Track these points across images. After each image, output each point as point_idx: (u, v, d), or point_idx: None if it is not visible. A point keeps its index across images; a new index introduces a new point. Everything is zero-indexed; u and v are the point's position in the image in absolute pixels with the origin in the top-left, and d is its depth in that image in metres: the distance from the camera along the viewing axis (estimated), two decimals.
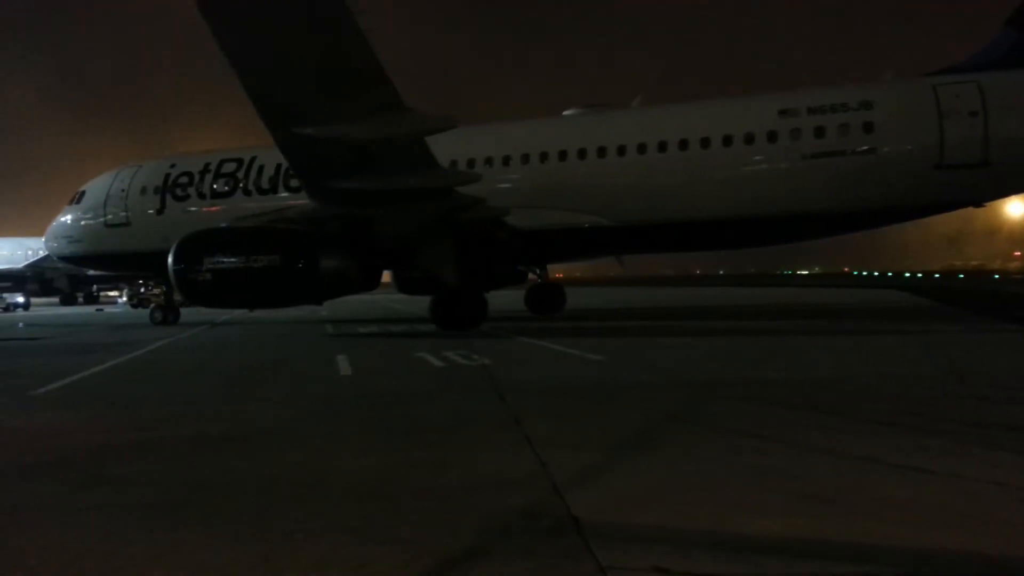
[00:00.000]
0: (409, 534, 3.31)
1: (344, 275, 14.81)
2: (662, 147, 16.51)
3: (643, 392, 7.32)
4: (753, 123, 16.04)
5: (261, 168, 18.97)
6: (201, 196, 19.61)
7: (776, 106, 16.04)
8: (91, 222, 20.68)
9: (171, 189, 19.83)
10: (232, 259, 14.63)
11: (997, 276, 63.26)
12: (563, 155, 17.13)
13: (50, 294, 50.05)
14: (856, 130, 15.38)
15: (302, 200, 16.20)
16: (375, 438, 5.51)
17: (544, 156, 17.26)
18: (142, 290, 38.80)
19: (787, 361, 9.87)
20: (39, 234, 23.88)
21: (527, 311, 21.98)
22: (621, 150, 16.75)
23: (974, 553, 2.94)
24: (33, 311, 39.32)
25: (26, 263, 47.14)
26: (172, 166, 20.22)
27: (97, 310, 39.36)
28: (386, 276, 21.07)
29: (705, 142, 16.24)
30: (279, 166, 18.23)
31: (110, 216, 20.34)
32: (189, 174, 19.82)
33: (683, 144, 16.38)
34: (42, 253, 34.58)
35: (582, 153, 16.99)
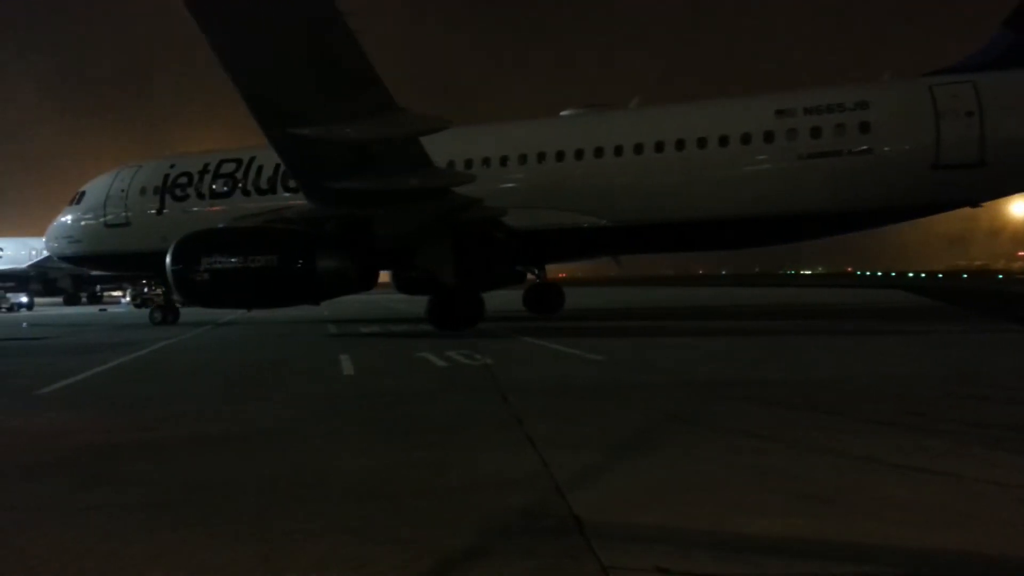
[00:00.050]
0: (410, 534, 3.29)
1: (341, 275, 14.78)
2: (659, 147, 16.49)
3: (644, 392, 7.28)
4: (750, 123, 16.01)
5: (260, 168, 18.93)
6: (200, 196, 19.57)
7: (773, 106, 16.02)
8: (91, 222, 20.64)
9: (170, 189, 19.79)
10: (230, 259, 14.60)
11: (1001, 276, 62.96)
12: (560, 155, 17.10)
13: (54, 294, 50.03)
14: (852, 130, 15.36)
15: (300, 200, 16.16)
16: (377, 438, 5.49)
17: (542, 156, 17.23)
18: (145, 290, 38.74)
19: (787, 361, 9.83)
20: (42, 234, 23.82)
21: (525, 311, 21.93)
22: (618, 150, 16.72)
23: (975, 553, 2.93)
24: (37, 311, 39.28)
25: (30, 263, 47.06)
26: (171, 166, 20.18)
27: (100, 310, 39.30)
28: (386, 276, 21.09)
29: (702, 142, 16.21)
30: (278, 166, 18.20)
31: (110, 216, 20.30)
32: (188, 174, 19.78)
33: (680, 144, 16.36)
34: (45, 253, 34.61)
35: (579, 153, 16.96)
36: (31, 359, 12.49)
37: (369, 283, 16.82)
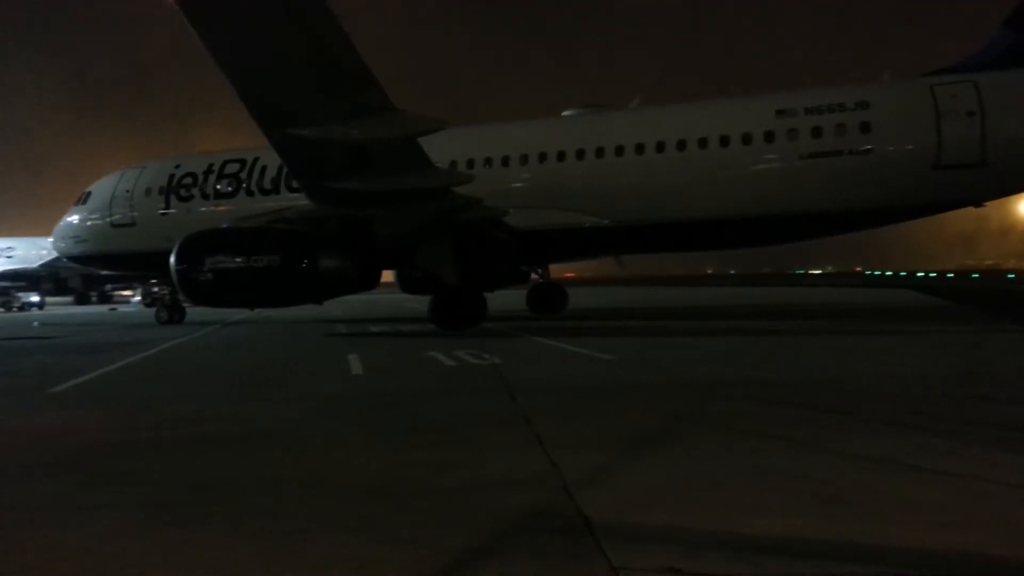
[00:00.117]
0: (418, 534, 3.25)
1: (343, 275, 14.71)
2: (660, 147, 16.32)
3: (653, 392, 7.19)
4: (750, 123, 15.83)
5: (264, 169, 18.87)
6: (205, 196, 19.53)
7: (773, 106, 15.84)
8: (97, 222, 20.64)
9: (175, 190, 19.75)
10: (233, 259, 14.56)
11: (1012, 276, 62.18)
12: (562, 155, 16.96)
13: (64, 293, 50.18)
14: (853, 130, 15.16)
15: (304, 201, 16.03)
16: (385, 437, 5.42)
17: (543, 156, 17.09)
18: (155, 290, 38.73)
19: (794, 361, 9.71)
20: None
21: (528, 311, 21.74)
22: (619, 150, 16.55)
23: (980, 553, 2.88)
24: (48, 310, 39.44)
25: (40, 263, 47.13)
26: (176, 167, 20.15)
27: (111, 309, 39.35)
28: (390, 276, 20.95)
29: (703, 142, 16.04)
30: (281, 167, 18.10)
31: (115, 216, 20.28)
32: (193, 175, 19.73)
33: (681, 144, 16.19)
34: (56, 253, 34.65)
35: (580, 154, 16.81)
36: (42, 358, 12.48)
37: (370, 283, 16.73)
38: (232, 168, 19.46)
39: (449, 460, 4.58)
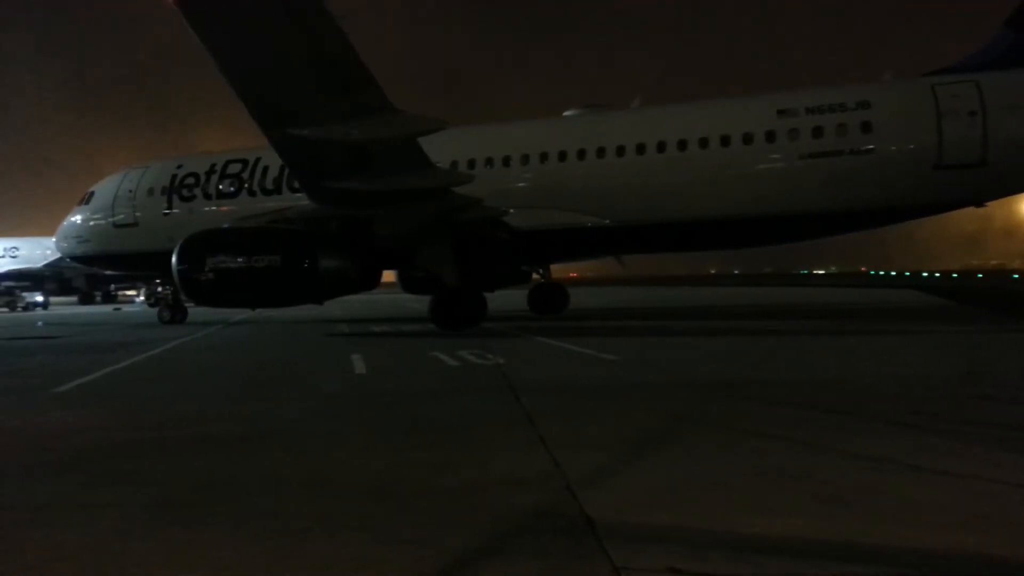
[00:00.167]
0: (421, 533, 3.24)
1: (343, 275, 14.69)
2: (661, 147, 16.27)
3: (655, 392, 7.17)
4: (751, 123, 15.77)
5: (266, 169, 18.85)
6: (207, 197, 19.50)
7: (774, 106, 15.78)
8: (100, 222, 20.63)
9: (177, 190, 19.74)
10: (233, 259, 14.55)
11: (1016, 276, 61.87)
12: (563, 155, 16.91)
13: (68, 293, 50.23)
14: (854, 130, 15.10)
15: (305, 200, 16.01)
16: (388, 437, 5.41)
17: (544, 156, 17.04)
18: (159, 289, 38.70)
19: (797, 361, 9.68)
20: None
21: (529, 311, 21.69)
22: (620, 150, 16.50)
23: (982, 554, 2.87)
24: (52, 310, 39.45)
25: (45, 263, 47.17)
26: (179, 167, 20.13)
27: (115, 309, 39.34)
28: (392, 276, 20.90)
29: (703, 142, 15.98)
30: (283, 167, 18.07)
31: (118, 216, 20.28)
32: (195, 175, 19.71)
33: (682, 144, 16.13)
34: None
35: (581, 154, 16.76)
36: (46, 358, 12.48)
37: (371, 283, 16.70)
38: (234, 168, 19.44)
39: (452, 460, 4.57)
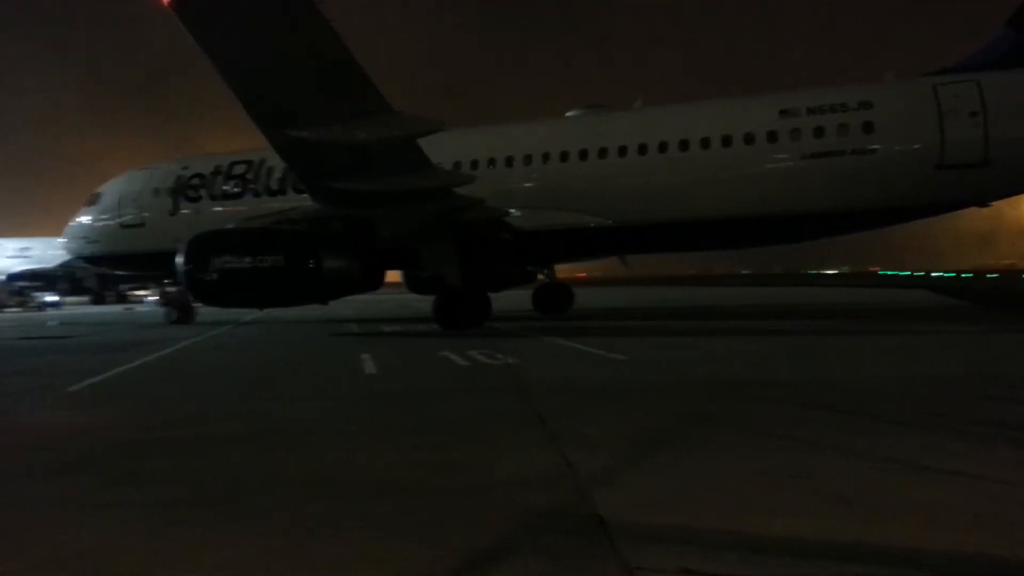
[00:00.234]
0: (433, 532, 3.22)
1: (346, 275, 14.69)
2: (663, 148, 16.19)
3: (666, 392, 7.11)
4: (753, 123, 15.68)
5: (270, 170, 18.82)
6: (212, 197, 19.49)
7: (776, 106, 15.67)
8: (107, 223, 20.67)
9: (183, 191, 19.75)
10: (238, 259, 14.57)
11: None
12: (565, 156, 16.85)
13: (81, 293, 50.31)
14: (856, 130, 15.00)
15: (309, 201, 15.98)
16: (400, 437, 5.38)
17: (546, 157, 16.99)
18: (169, 290, 38.68)
19: (809, 362, 9.60)
20: None
21: (534, 311, 21.62)
22: (622, 151, 16.43)
23: (992, 555, 2.84)
24: (64, 310, 39.53)
25: (57, 263, 47.26)
26: (184, 168, 20.15)
27: (126, 309, 39.36)
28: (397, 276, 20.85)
29: (705, 142, 15.89)
30: (288, 168, 18.02)
31: (125, 217, 20.31)
32: (201, 176, 19.73)
33: (683, 144, 16.05)
34: None
35: (583, 154, 16.70)
36: (59, 357, 12.50)
37: (374, 283, 16.67)
38: (239, 169, 19.44)
39: (463, 460, 4.54)
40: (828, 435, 4.90)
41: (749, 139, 15.62)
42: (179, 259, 14.97)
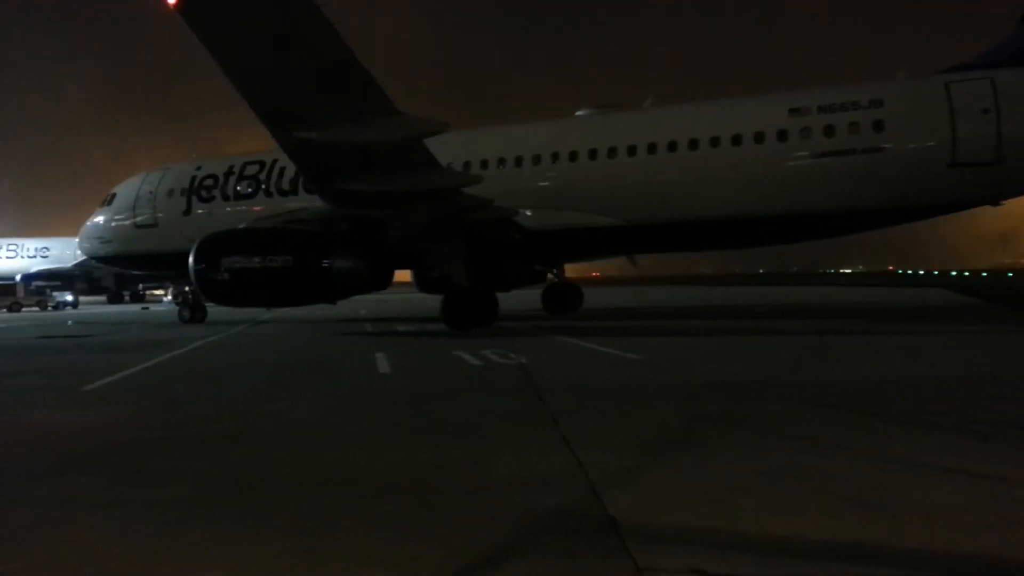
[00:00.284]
0: (446, 531, 3.23)
1: (355, 274, 14.71)
2: (672, 147, 16.06)
3: (679, 392, 7.05)
4: (763, 122, 15.52)
5: (282, 170, 18.88)
6: (225, 198, 19.59)
7: (786, 105, 15.50)
8: (121, 223, 20.84)
9: (196, 191, 19.87)
10: (248, 259, 14.64)
11: None
12: (574, 156, 16.77)
13: (98, 293, 50.84)
14: (867, 129, 14.80)
15: (319, 201, 16.02)
16: (412, 436, 5.39)
17: (555, 157, 16.92)
18: (186, 289, 38.92)
19: (824, 361, 9.49)
20: None
21: (543, 310, 21.55)
22: (631, 150, 16.33)
23: (1013, 557, 2.79)
24: (81, 309, 39.98)
25: (75, 262, 47.78)
26: (198, 169, 20.28)
27: (143, 308, 39.68)
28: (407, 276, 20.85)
29: (715, 142, 15.76)
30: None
31: (139, 217, 20.46)
32: (214, 176, 19.84)
33: (693, 144, 15.92)
34: None
35: (593, 154, 16.61)
36: (76, 356, 12.63)
37: (383, 283, 16.68)
38: (252, 170, 19.54)
39: (475, 459, 4.53)
40: (845, 435, 4.82)
41: (759, 138, 15.47)
42: (190, 259, 15.06)
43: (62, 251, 49.63)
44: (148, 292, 55.00)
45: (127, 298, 51.83)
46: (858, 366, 8.97)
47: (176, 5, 9.92)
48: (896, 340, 12.35)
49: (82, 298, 46.45)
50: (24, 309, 39.44)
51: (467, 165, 16.88)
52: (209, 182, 19.85)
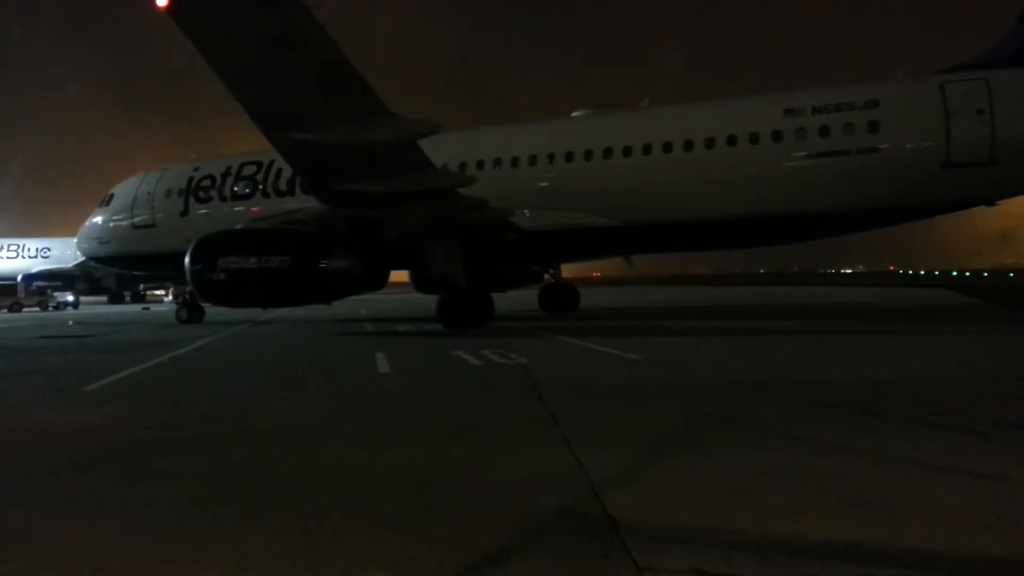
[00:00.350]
0: (446, 531, 3.22)
1: (351, 275, 14.66)
2: (667, 148, 16.05)
3: (679, 392, 7.03)
4: (758, 123, 15.52)
5: (280, 171, 18.83)
6: (223, 199, 19.53)
7: (781, 106, 15.50)
8: (119, 224, 20.76)
9: (194, 192, 19.80)
10: (244, 260, 14.60)
11: None
12: (570, 156, 16.76)
13: (98, 293, 50.65)
14: (861, 129, 14.81)
15: (315, 202, 15.98)
16: (413, 436, 5.37)
17: (551, 157, 16.90)
18: (187, 289, 38.76)
19: (824, 362, 9.47)
20: None
21: (540, 310, 21.52)
22: (627, 151, 16.32)
23: (1013, 558, 2.78)
24: (82, 309, 39.83)
25: (75, 263, 47.63)
26: (196, 169, 20.22)
27: (143, 308, 39.54)
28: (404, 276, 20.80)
29: (710, 142, 15.75)
30: None
31: (137, 218, 20.38)
32: (211, 177, 19.78)
33: (688, 145, 15.92)
34: None
35: (589, 154, 16.60)
36: (77, 356, 12.57)
37: (379, 283, 16.64)
38: (249, 170, 19.48)
39: (476, 459, 4.52)
40: (845, 435, 4.81)
41: (754, 139, 15.46)
42: (186, 259, 15.01)
43: (63, 251, 49.44)
44: (149, 292, 54.82)
45: (128, 298, 51.65)
46: (858, 366, 8.96)
47: (167, 7, 9.89)
48: (896, 340, 12.36)
49: (83, 298, 46.28)
50: (25, 309, 39.30)
51: (463, 166, 16.86)
52: (207, 183, 19.78)
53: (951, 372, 8.15)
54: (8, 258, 50.71)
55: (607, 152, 16.45)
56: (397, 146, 12.86)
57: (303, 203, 17.39)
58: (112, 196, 21.26)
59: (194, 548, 3.10)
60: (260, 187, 19.19)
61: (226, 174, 19.65)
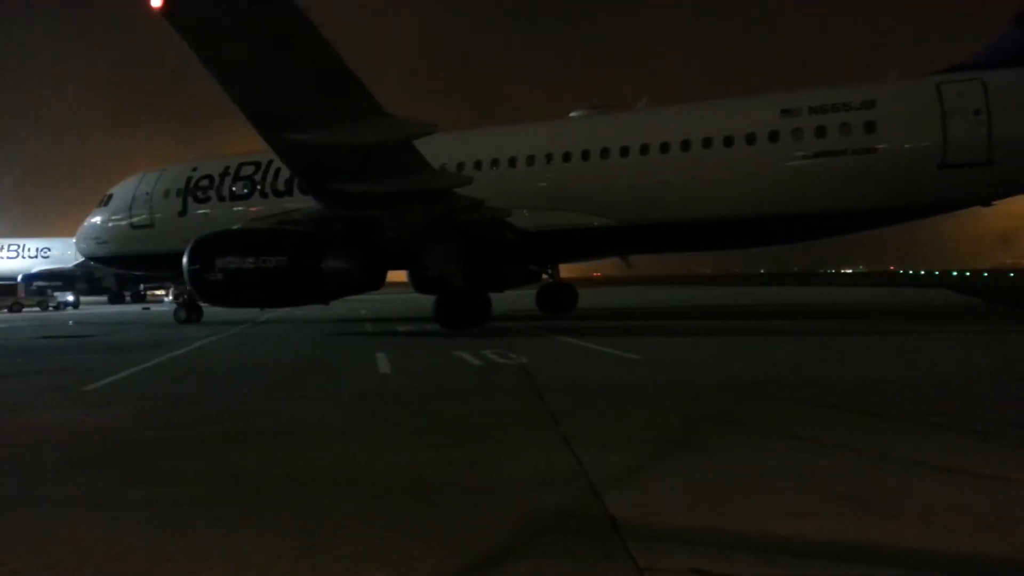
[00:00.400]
0: (447, 531, 3.21)
1: (348, 275, 14.66)
2: (664, 148, 16.05)
3: (680, 392, 7.01)
4: (755, 123, 15.53)
5: (278, 171, 18.81)
6: (221, 199, 19.49)
7: (778, 106, 15.50)
8: (118, 224, 20.71)
9: (193, 192, 19.77)
10: (242, 260, 14.57)
11: None
12: (567, 156, 16.76)
13: (98, 293, 50.59)
14: (858, 129, 14.82)
15: (312, 202, 15.97)
16: (413, 436, 5.35)
17: (549, 157, 16.89)
18: (186, 289, 38.68)
19: (825, 361, 9.46)
20: None
21: (538, 310, 21.51)
22: (624, 151, 16.32)
23: (1014, 558, 2.77)
24: (82, 309, 39.77)
25: (76, 263, 47.55)
26: (194, 169, 20.19)
27: (144, 308, 39.49)
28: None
29: (707, 142, 15.75)
30: None
31: (135, 218, 20.35)
32: (210, 177, 19.74)
33: (685, 145, 15.92)
34: None
35: (586, 154, 16.60)
36: (77, 356, 12.54)
37: (376, 283, 16.63)
38: (247, 170, 19.45)
39: (476, 459, 4.50)
40: (846, 436, 4.80)
41: (751, 139, 15.46)
42: (184, 259, 14.98)
43: (63, 251, 49.35)
44: (149, 292, 54.76)
45: (128, 298, 51.59)
46: (858, 366, 8.95)
47: (161, 8, 9.87)
48: (896, 340, 12.35)
49: (83, 298, 46.22)
50: (25, 309, 39.23)
51: (460, 166, 16.85)
52: (205, 183, 19.75)
53: (951, 372, 8.15)
54: (8, 258, 50.65)
55: (604, 152, 16.45)
56: (393, 146, 12.85)
57: (301, 203, 17.36)
58: (111, 196, 21.22)
59: (194, 548, 3.09)
60: (258, 187, 19.17)
61: (224, 174, 19.62)
